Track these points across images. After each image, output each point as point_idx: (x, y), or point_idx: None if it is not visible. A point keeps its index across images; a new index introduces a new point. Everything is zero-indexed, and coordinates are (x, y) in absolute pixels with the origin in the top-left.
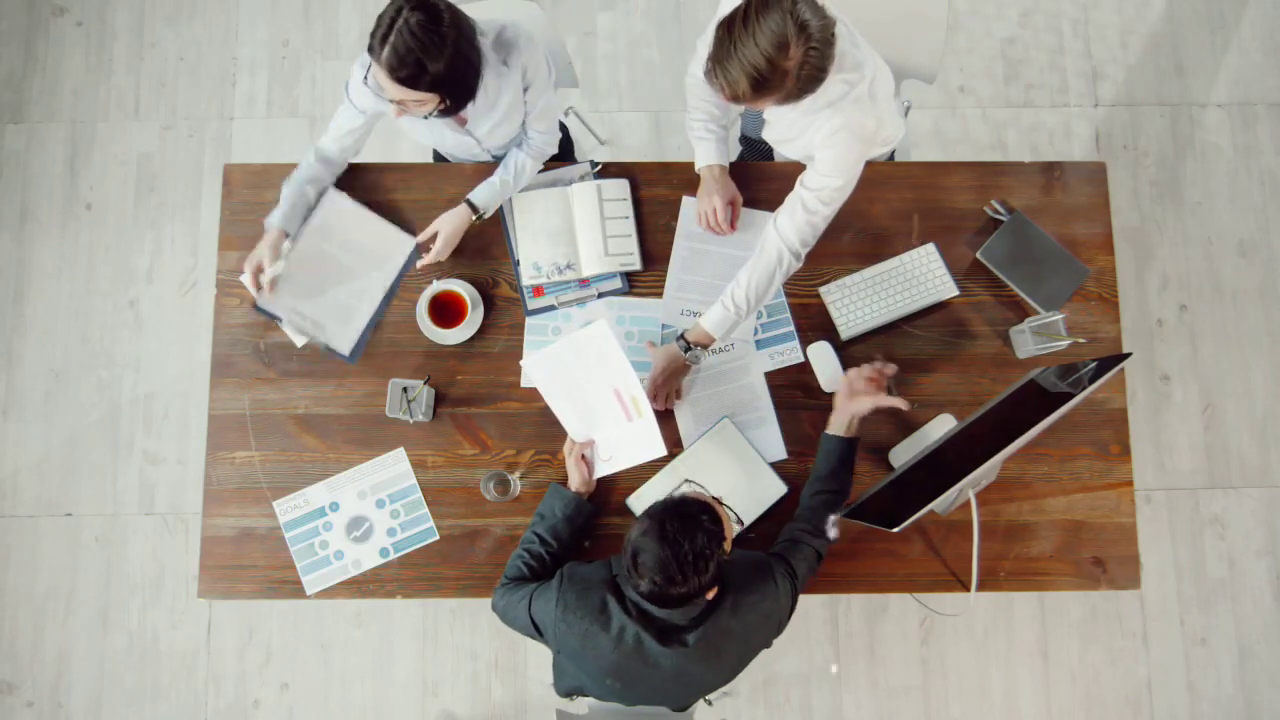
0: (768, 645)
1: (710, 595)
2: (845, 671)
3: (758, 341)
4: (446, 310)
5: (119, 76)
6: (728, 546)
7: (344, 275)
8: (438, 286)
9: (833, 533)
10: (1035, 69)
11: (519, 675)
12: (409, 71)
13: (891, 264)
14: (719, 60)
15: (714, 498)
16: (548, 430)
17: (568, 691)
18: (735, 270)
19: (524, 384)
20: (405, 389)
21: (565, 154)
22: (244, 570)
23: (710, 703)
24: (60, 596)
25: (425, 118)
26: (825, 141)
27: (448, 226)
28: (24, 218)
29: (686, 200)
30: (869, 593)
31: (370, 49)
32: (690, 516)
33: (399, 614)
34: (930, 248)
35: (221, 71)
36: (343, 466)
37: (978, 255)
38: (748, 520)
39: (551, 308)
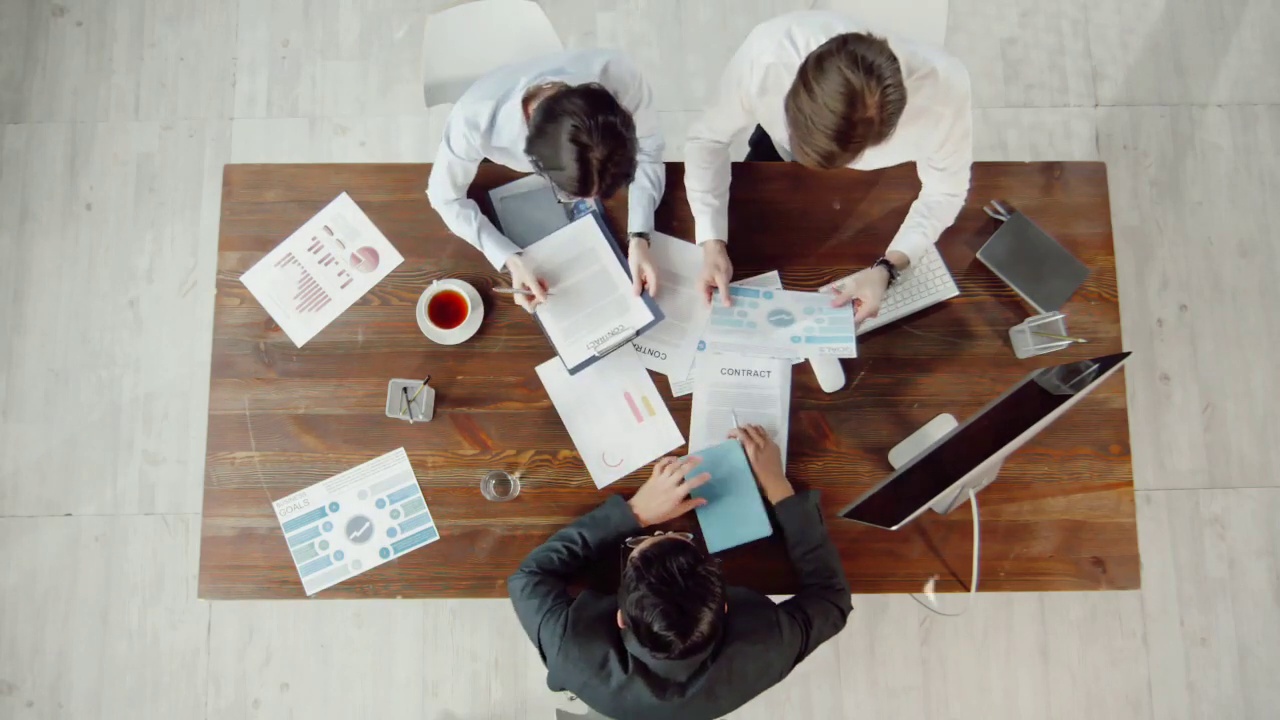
0: (769, 688)
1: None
2: (845, 671)
3: None
4: (446, 310)
5: (119, 76)
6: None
7: (588, 290)
8: (438, 286)
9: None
10: (1035, 69)
11: (519, 675)
12: (618, 188)
13: None
14: (801, 138)
15: (659, 533)
16: (548, 430)
17: (559, 686)
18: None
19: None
20: (405, 389)
21: None
22: (244, 570)
23: None
24: (60, 596)
25: None
26: (946, 146)
27: (641, 262)
28: (24, 218)
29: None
30: (869, 593)
31: (555, 178)
32: (661, 556)
33: (399, 614)
34: (930, 248)
35: (221, 71)
36: (343, 466)
37: (978, 255)
38: (716, 549)
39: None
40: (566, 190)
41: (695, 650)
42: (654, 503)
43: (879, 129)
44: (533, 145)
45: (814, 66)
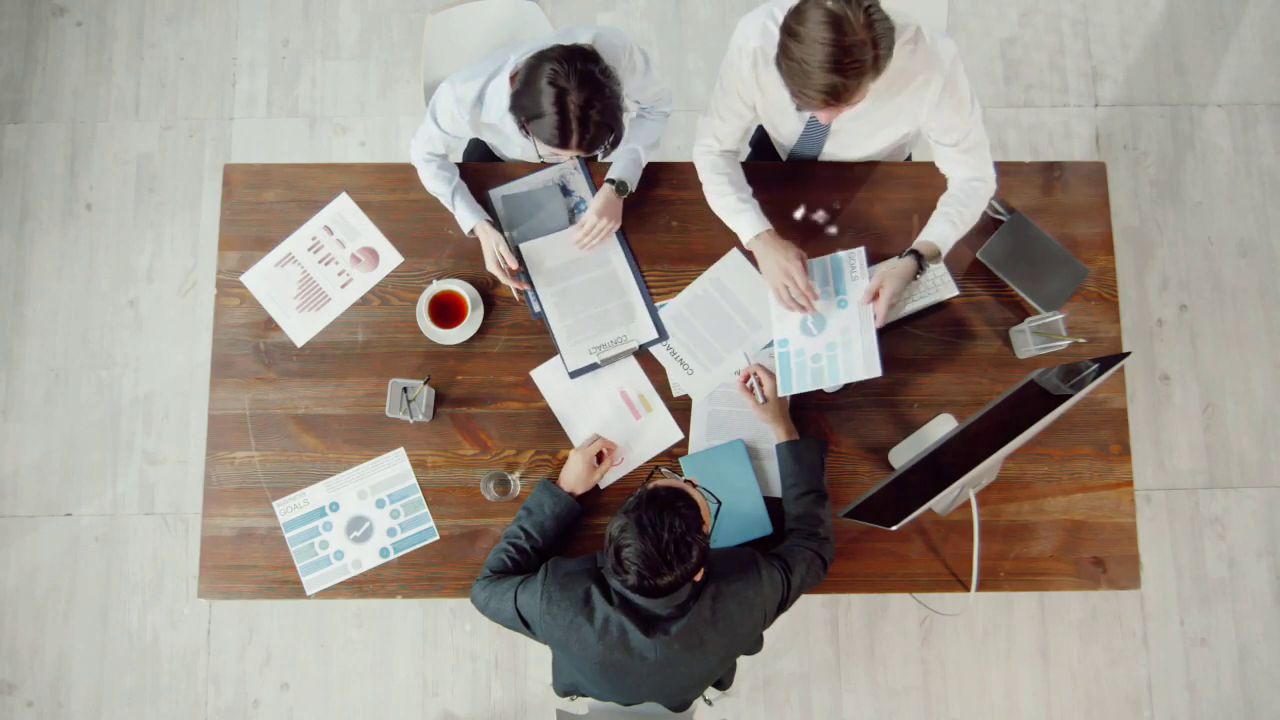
0: (755, 636)
1: (697, 578)
2: (845, 671)
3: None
4: (446, 310)
5: (119, 76)
6: (706, 528)
7: (595, 289)
8: (438, 286)
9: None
10: (1035, 69)
11: (519, 675)
12: (600, 146)
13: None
14: (801, 83)
15: (687, 480)
16: (548, 430)
17: (565, 690)
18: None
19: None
20: (405, 389)
21: None
22: (244, 570)
23: (710, 702)
24: (60, 596)
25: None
26: (936, 112)
27: (602, 209)
28: (24, 218)
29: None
30: (869, 593)
31: (537, 131)
32: (665, 505)
33: (399, 614)
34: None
35: (221, 71)
36: (343, 466)
37: (978, 255)
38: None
39: None
40: (549, 144)
41: (651, 589)
42: (571, 473)
43: (875, 52)
44: (516, 101)
45: (793, 18)
